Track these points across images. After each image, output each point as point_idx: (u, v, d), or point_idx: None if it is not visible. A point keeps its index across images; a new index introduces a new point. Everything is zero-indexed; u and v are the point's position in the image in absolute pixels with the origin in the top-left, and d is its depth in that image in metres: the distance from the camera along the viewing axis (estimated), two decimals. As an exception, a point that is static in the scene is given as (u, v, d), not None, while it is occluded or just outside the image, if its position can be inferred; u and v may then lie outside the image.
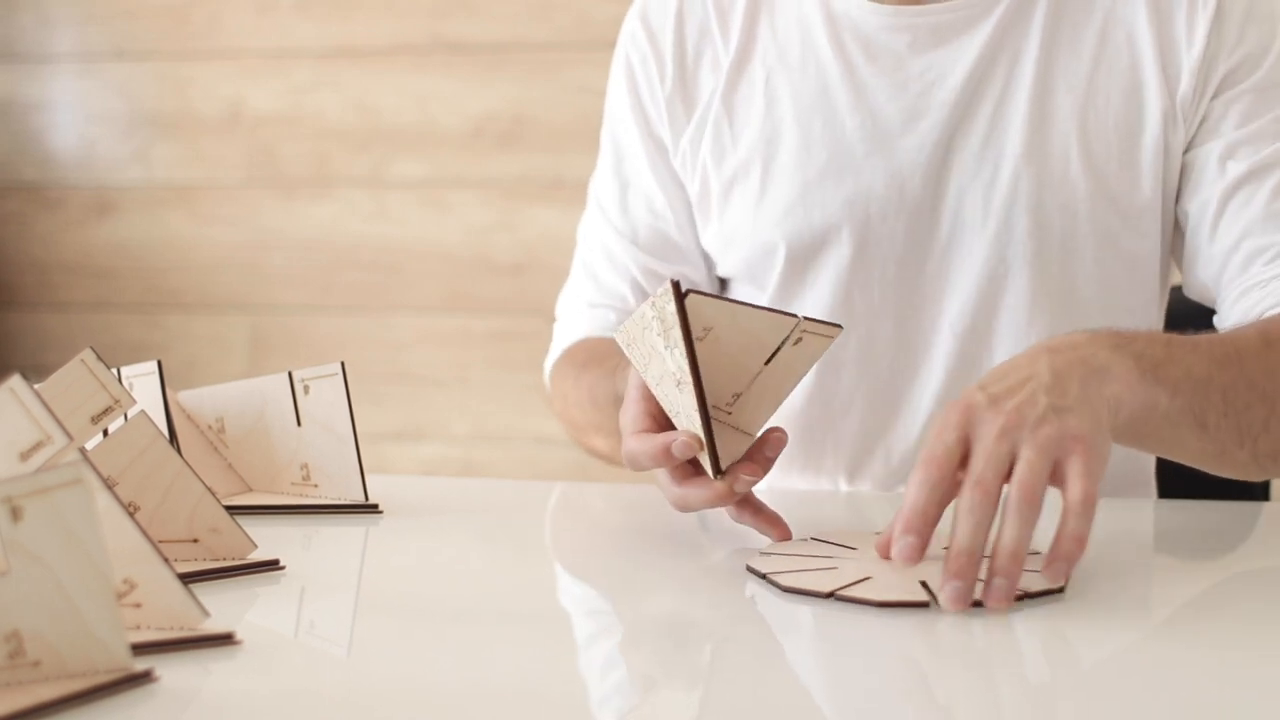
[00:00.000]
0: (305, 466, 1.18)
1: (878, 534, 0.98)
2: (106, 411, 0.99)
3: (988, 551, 0.88)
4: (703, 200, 1.36)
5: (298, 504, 1.17)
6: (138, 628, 0.81)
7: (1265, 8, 1.28)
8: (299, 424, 1.18)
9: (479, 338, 2.57)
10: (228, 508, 1.00)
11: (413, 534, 1.12)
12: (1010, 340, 1.30)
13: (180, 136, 2.65)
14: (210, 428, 1.20)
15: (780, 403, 1.03)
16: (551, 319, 1.47)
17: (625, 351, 1.04)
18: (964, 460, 0.90)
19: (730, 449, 1.01)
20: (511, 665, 0.83)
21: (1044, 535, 0.89)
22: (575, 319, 1.42)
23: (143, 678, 0.75)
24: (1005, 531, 0.86)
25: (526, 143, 2.53)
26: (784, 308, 1.32)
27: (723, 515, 1.06)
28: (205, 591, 0.90)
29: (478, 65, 2.54)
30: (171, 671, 0.77)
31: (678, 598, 0.97)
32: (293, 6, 2.60)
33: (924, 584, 0.91)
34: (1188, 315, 1.35)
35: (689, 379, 0.97)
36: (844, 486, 1.36)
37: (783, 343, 1.00)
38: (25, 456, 0.85)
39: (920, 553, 0.89)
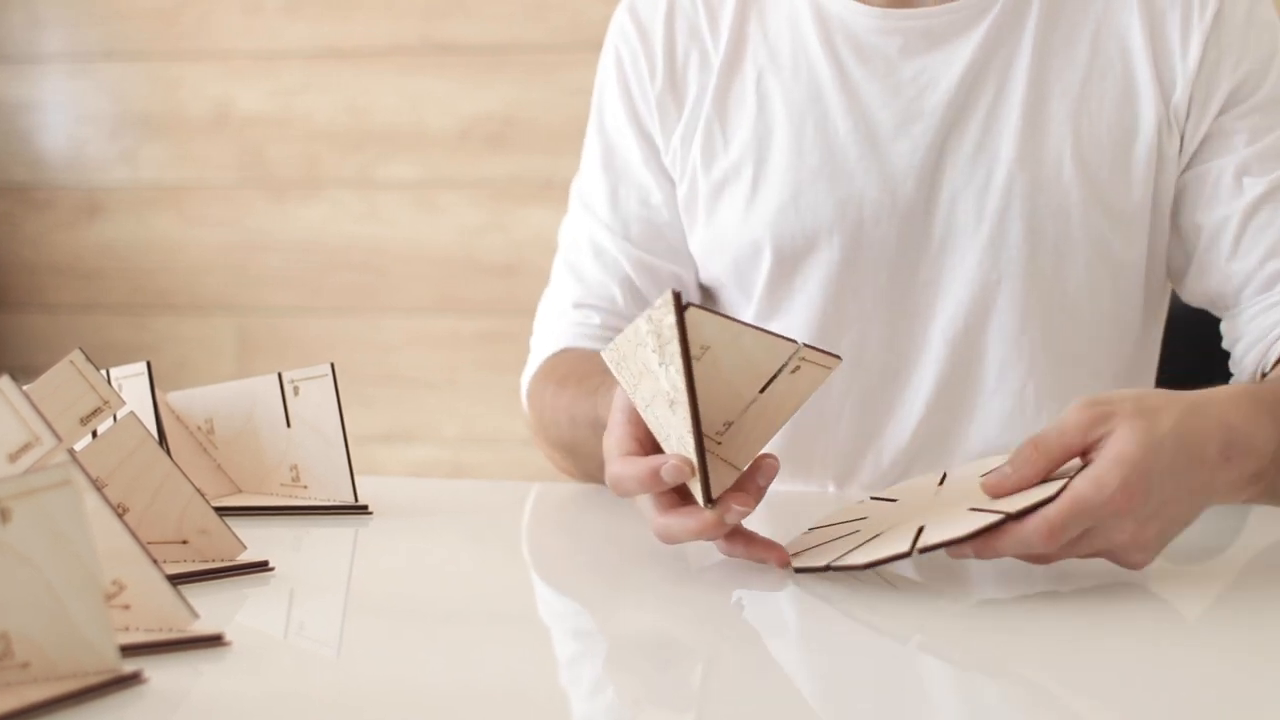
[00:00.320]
0: (295, 468, 1.17)
1: (926, 476, 1.04)
2: (95, 413, 0.99)
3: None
4: (690, 202, 1.34)
5: (287, 505, 1.16)
6: (127, 629, 0.81)
7: (1264, 14, 1.28)
8: (288, 425, 1.17)
9: (469, 339, 2.57)
10: (217, 509, 0.99)
11: (402, 535, 1.12)
12: (1001, 347, 1.29)
13: (169, 137, 2.65)
14: (199, 429, 1.20)
15: (771, 437, 1.00)
16: (541, 321, 1.45)
17: (613, 371, 1.01)
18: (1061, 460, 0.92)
19: (720, 479, 0.97)
20: (501, 666, 0.83)
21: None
22: (555, 324, 1.37)
23: (132, 679, 0.75)
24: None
25: (517, 144, 2.53)
26: (771, 312, 1.33)
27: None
28: (194, 593, 0.90)
29: (469, 66, 2.54)
30: (161, 673, 0.77)
31: (665, 598, 0.97)
32: (282, 7, 2.60)
33: (921, 528, 0.91)
34: (1186, 317, 1.36)
35: (683, 398, 0.93)
36: (832, 491, 1.35)
37: (780, 369, 0.97)
38: (14, 458, 0.84)
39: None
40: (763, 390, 0.97)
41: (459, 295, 2.57)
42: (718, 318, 0.95)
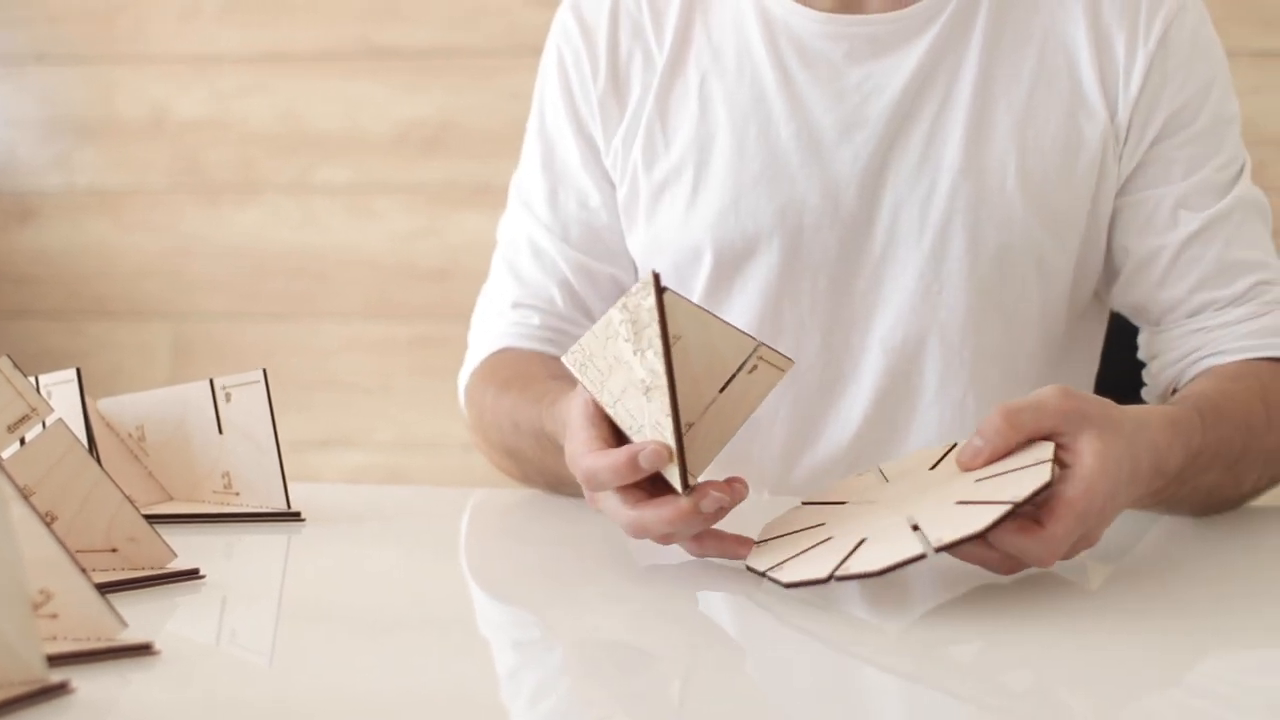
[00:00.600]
0: (227, 475, 1.17)
1: (861, 474, 1.04)
2: (23, 420, 0.98)
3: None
4: (630, 203, 1.34)
5: (218, 512, 1.16)
6: (54, 638, 0.80)
7: (1208, 40, 1.29)
8: (220, 432, 1.17)
9: (405, 344, 2.56)
10: (147, 516, 0.99)
11: (335, 541, 1.12)
12: (941, 357, 1.29)
13: (104, 142, 2.63)
14: (130, 436, 1.19)
15: (725, 443, 1.00)
16: (478, 326, 1.44)
17: (577, 374, 1.00)
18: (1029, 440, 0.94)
19: (694, 467, 0.96)
20: (438, 674, 0.83)
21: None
22: (495, 323, 1.37)
23: (59, 689, 0.74)
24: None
25: (453, 149, 2.52)
26: (712, 310, 1.32)
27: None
28: (123, 602, 0.89)
29: (405, 71, 2.53)
30: (89, 683, 0.76)
31: (606, 604, 0.97)
32: (218, 12, 2.58)
33: (915, 527, 0.90)
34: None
35: (662, 381, 0.93)
36: (766, 498, 1.35)
37: (740, 367, 0.97)
38: (-61, 465, 0.84)
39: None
40: (722, 390, 0.97)
41: (395, 300, 2.56)
42: (690, 305, 0.96)
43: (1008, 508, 0.88)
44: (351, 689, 0.79)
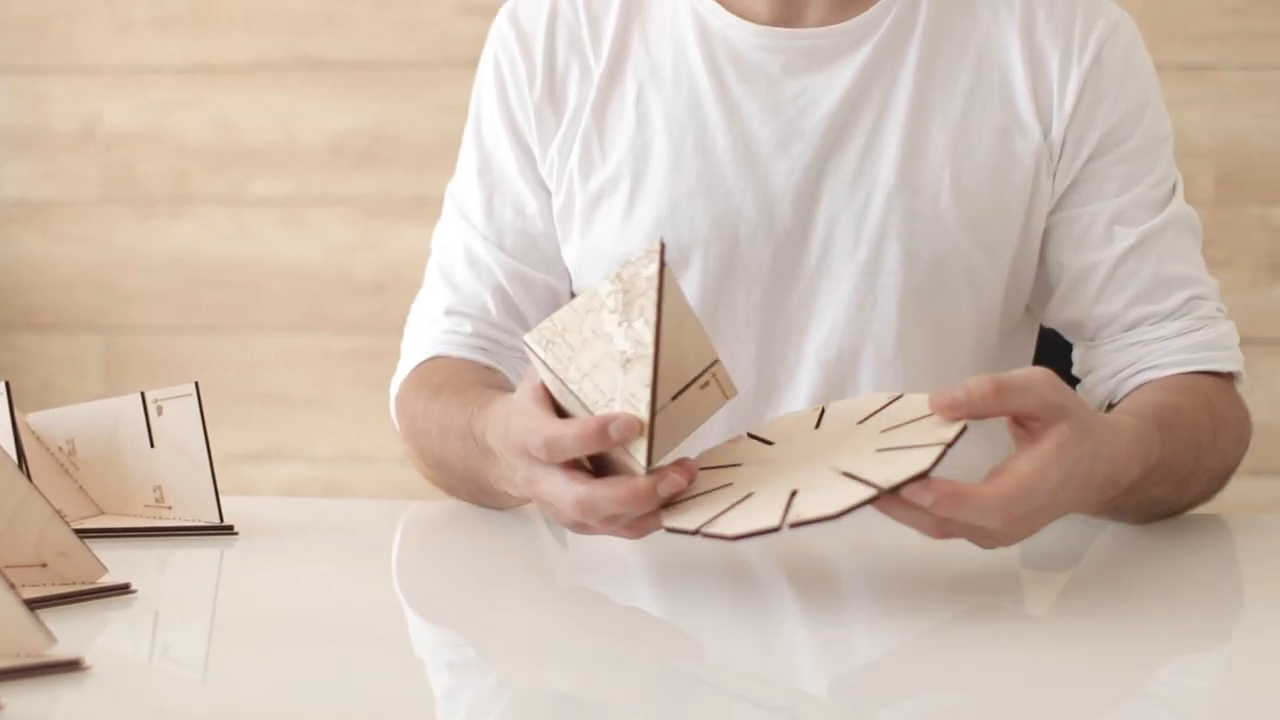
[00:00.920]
0: (159, 488, 1.16)
1: (815, 410, 1.02)
2: (-49, 434, 0.97)
3: None
4: (566, 213, 1.33)
5: (150, 526, 1.15)
6: (-18, 655, 0.79)
7: (1141, 61, 1.30)
8: (152, 445, 1.16)
9: (341, 357, 2.55)
10: (78, 531, 0.98)
11: (269, 555, 1.11)
12: (875, 370, 1.29)
13: (34, 153, 2.61)
14: (61, 449, 1.18)
15: (665, 454, 0.97)
16: (413, 338, 1.43)
17: (539, 351, 0.97)
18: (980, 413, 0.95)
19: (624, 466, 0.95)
20: (370, 688, 0.82)
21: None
22: (427, 331, 1.35)
23: (-14, 706, 0.73)
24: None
25: (388, 161, 2.52)
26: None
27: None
28: (53, 617, 0.89)
29: (338, 83, 2.52)
30: (16, 700, 0.75)
31: (535, 614, 0.97)
32: (151, 23, 2.56)
33: (794, 492, 0.90)
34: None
35: (647, 352, 0.91)
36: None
37: (696, 378, 0.96)
38: None
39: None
40: (674, 398, 0.95)
41: (331, 313, 2.55)
42: (679, 293, 0.95)
43: (871, 493, 0.87)
44: (285, 704, 0.79)
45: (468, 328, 1.33)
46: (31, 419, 1.19)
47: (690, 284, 1.30)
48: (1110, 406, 1.26)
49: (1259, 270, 2.34)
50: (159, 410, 1.16)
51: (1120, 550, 1.10)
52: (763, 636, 0.93)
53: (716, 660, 0.90)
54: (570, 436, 0.94)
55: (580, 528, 0.99)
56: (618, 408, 0.93)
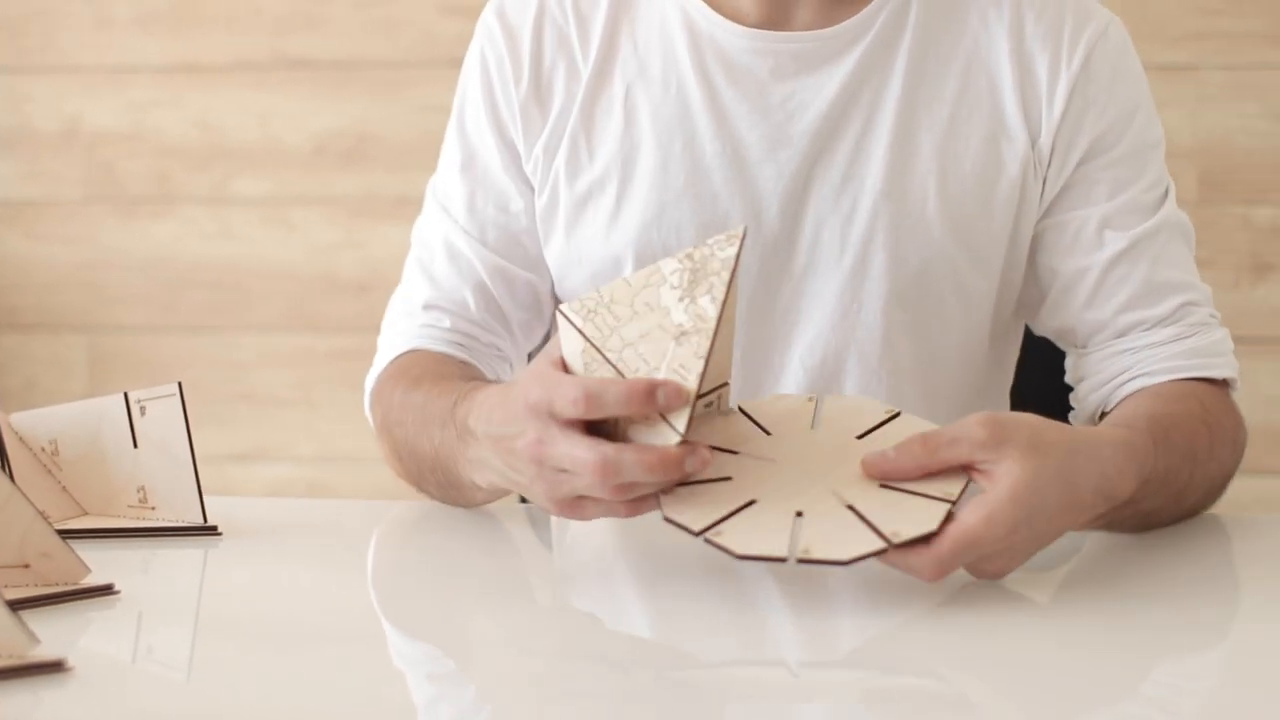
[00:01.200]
0: (142, 489, 1.16)
1: (808, 399, 1.02)
2: (-67, 435, 0.97)
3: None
4: (549, 213, 1.33)
5: (133, 527, 1.15)
6: (-36, 656, 0.79)
7: (1131, 65, 1.29)
8: (135, 446, 1.16)
9: (324, 357, 2.55)
10: (61, 531, 0.98)
11: (252, 556, 1.11)
12: (860, 376, 1.29)
13: (16, 153, 2.60)
14: (43, 450, 1.18)
15: None
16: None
17: (577, 321, 0.97)
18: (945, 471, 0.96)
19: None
20: (353, 688, 0.82)
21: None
22: (405, 325, 1.34)
23: (-31, 707, 0.73)
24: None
25: (370, 161, 2.51)
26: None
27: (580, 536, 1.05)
28: (36, 618, 0.88)
29: (320, 82, 2.52)
30: (-1, 701, 0.75)
31: (517, 614, 0.97)
32: (133, 22, 2.56)
33: (799, 514, 0.91)
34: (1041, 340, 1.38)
35: (708, 326, 0.91)
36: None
37: (711, 390, 0.96)
38: None
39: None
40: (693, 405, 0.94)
41: (314, 313, 2.54)
42: (735, 294, 0.94)
43: (880, 546, 0.90)
44: (268, 704, 0.79)
45: (446, 322, 1.33)
46: (14, 419, 1.18)
47: (677, 287, 1.29)
48: (1103, 415, 1.26)
49: (1242, 270, 2.34)
50: (142, 410, 1.15)
51: (1113, 548, 1.11)
52: (748, 630, 0.93)
53: (702, 661, 0.90)
54: (616, 392, 0.93)
55: (574, 507, 0.98)
56: (664, 375, 0.92)
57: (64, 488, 1.18)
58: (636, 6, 1.32)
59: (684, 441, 0.92)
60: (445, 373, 1.26)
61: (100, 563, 0.99)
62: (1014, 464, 0.94)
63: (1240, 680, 0.87)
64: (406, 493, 1.29)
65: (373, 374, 1.35)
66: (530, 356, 1.38)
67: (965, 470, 0.96)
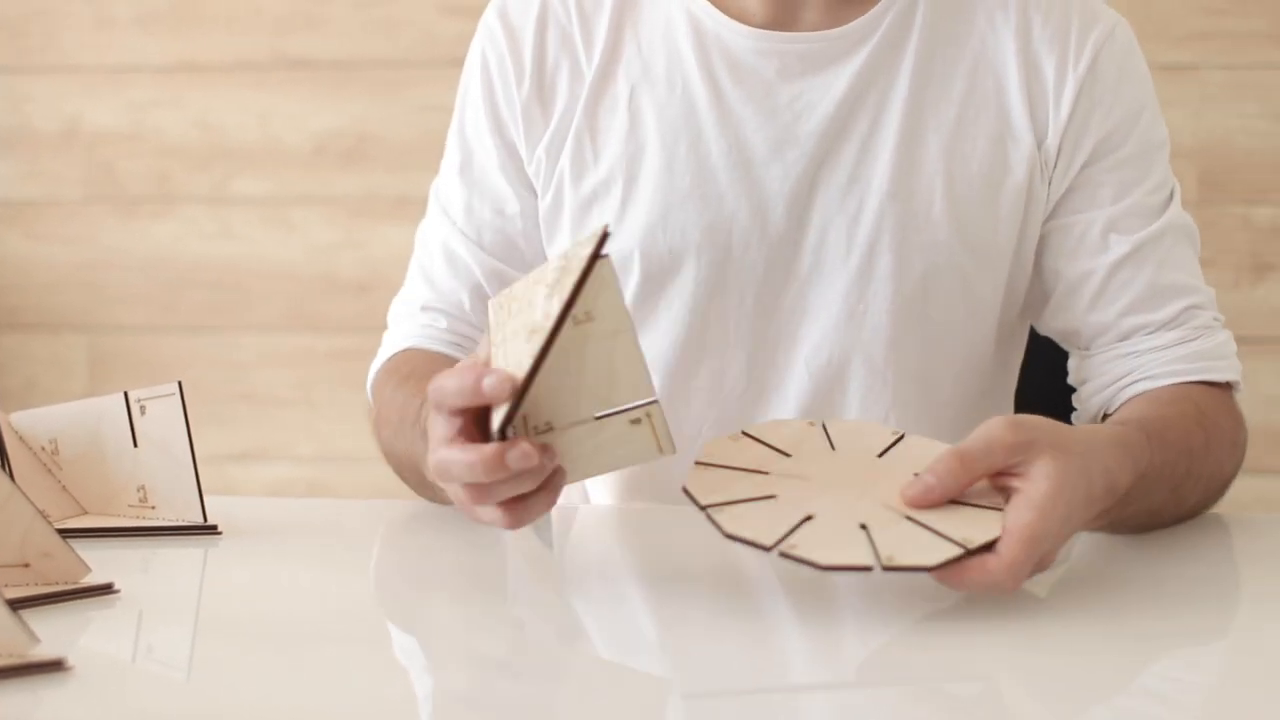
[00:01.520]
0: (142, 488, 1.16)
1: (810, 424, 1.02)
2: (-67, 434, 0.97)
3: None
4: (554, 213, 1.32)
5: (133, 526, 1.15)
6: (-36, 655, 0.79)
7: (1137, 67, 1.29)
8: (135, 445, 1.16)
9: (324, 357, 2.55)
10: (61, 531, 0.98)
11: (252, 555, 1.11)
12: (864, 377, 1.29)
13: (16, 153, 2.60)
14: (44, 449, 1.18)
15: (578, 477, 0.97)
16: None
17: (491, 314, 0.97)
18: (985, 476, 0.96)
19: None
20: (353, 688, 0.82)
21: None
22: (405, 324, 1.36)
23: (-31, 707, 0.73)
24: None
25: (371, 161, 2.51)
26: (636, 328, 1.32)
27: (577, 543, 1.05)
28: (36, 617, 0.88)
29: (320, 82, 2.52)
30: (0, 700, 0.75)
31: (518, 614, 0.97)
32: (133, 22, 2.56)
33: (863, 526, 0.91)
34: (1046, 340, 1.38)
35: (548, 325, 0.89)
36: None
37: (625, 409, 0.93)
38: None
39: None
40: (599, 418, 0.94)
41: (314, 313, 2.54)
42: (617, 297, 0.92)
43: (960, 550, 0.90)
44: (268, 704, 0.78)
45: (442, 323, 1.34)
46: (14, 419, 1.18)
47: (682, 289, 1.29)
48: (1105, 417, 1.26)
49: (1242, 270, 2.34)
50: (142, 410, 1.15)
51: (1113, 547, 1.11)
52: (750, 636, 0.93)
53: (705, 663, 0.90)
54: (451, 389, 0.93)
55: (464, 508, 0.97)
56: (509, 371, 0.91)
57: (64, 487, 1.18)
58: (641, 7, 1.32)
59: (507, 438, 0.90)
60: (432, 373, 1.25)
61: (100, 562, 0.99)
62: (1047, 461, 0.95)
63: (1241, 678, 0.87)
64: (406, 493, 1.29)
65: (374, 366, 1.36)
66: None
67: (997, 476, 0.96)
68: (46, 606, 0.93)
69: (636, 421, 0.93)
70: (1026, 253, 1.29)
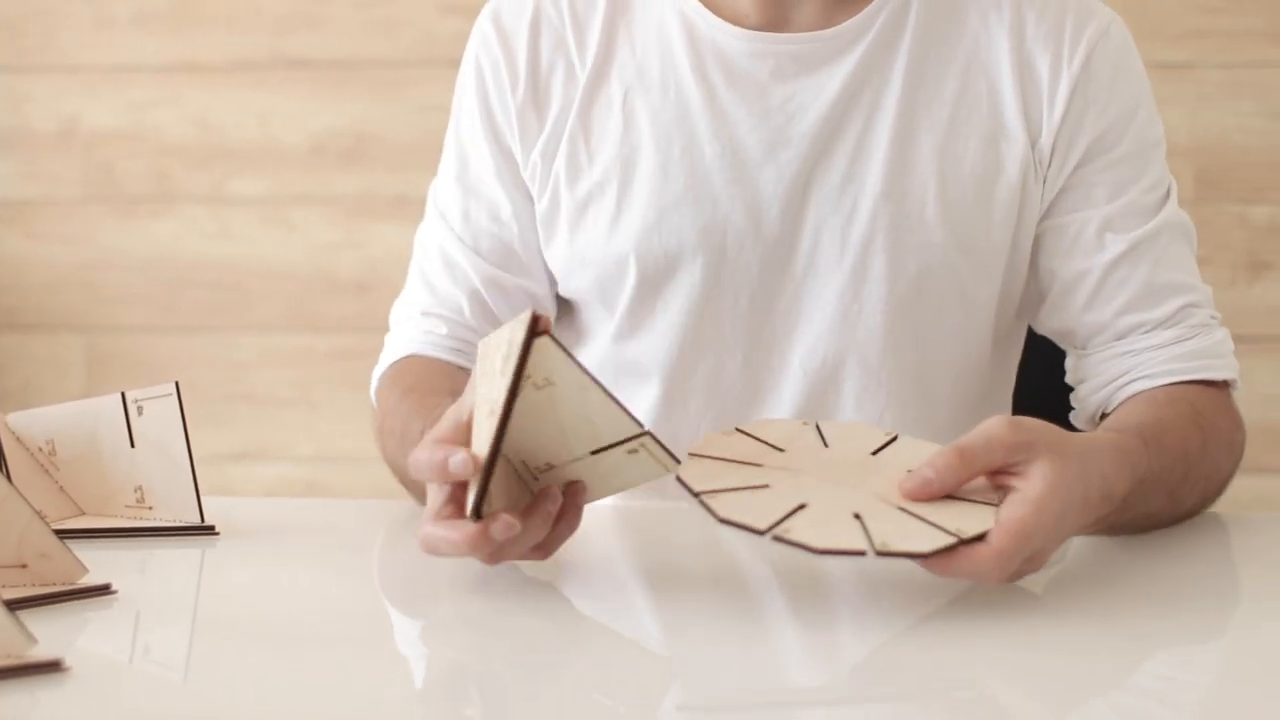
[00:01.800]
0: (140, 489, 1.16)
1: (804, 424, 1.02)
2: (-70, 435, 0.97)
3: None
4: (550, 216, 1.32)
5: (131, 527, 1.15)
6: (-39, 656, 0.79)
7: (1132, 65, 1.29)
8: (133, 445, 1.16)
9: (324, 357, 2.55)
10: (58, 531, 0.98)
11: (250, 556, 1.11)
12: (860, 377, 1.29)
13: (15, 153, 2.60)
14: (41, 450, 1.18)
15: (595, 497, 0.99)
16: (397, 337, 1.43)
17: (479, 361, 0.98)
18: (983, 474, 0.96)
19: (511, 500, 0.95)
20: (352, 689, 0.82)
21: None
22: (406, 328, 1.36)
23: (-34, 708, 0.73)
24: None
25: (370, 160, 2.51)
26: (632, 330, 1.32)
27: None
28: (33, 618, 0.88)
29: (319, 82, 2.52)
30: (-4, 701, 0.75)
31: (518, 615, 0.97)
32: (132, 21, 2.56)
33: (857, 516, 0.91)
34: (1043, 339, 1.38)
35: (499, 410, 0.90)
36: (686, 509, 1.35)
37: (617, 444, 0.94)
38: None
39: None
40: (594, 453, 0.95)
41: (313, 312, 2.54)
42: (570, 364, 0.92)
43: (954, 540, 0.90)
44: (266, 705, 0.79)
45: (443, 329, 1.34)
46: (11, 419, 1.18)
47: (678, 290, 1.29)
48: (1103, 416, 1.26)
49: (1238, 268, 2.34)
50: (139, 410, 1.15)
51: (1111, 546, 1.11)
52: (748, 635, 0.93)
53: (703, 662, 0.90)
54: (423, 463, 0.95)
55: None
56: (476, 447, 0.93)
57: (61, 487, 1.18)
58: (633, 9, 1.32)
59: (481, 514, 0.91)
60: (432, 386, 1.26)
61: (97, 563, 0.99)
62: (1045, 461, 0.95)
63: (1239, 677, 0.87)
64: (406, 493, 1.29)
65: (377, 370, 1.36)
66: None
67: (996, 474, 0.96)
68: (44, 607, 0.93)
69: (633, 452, 0.95)
70: (1021, 253, 1.29)
